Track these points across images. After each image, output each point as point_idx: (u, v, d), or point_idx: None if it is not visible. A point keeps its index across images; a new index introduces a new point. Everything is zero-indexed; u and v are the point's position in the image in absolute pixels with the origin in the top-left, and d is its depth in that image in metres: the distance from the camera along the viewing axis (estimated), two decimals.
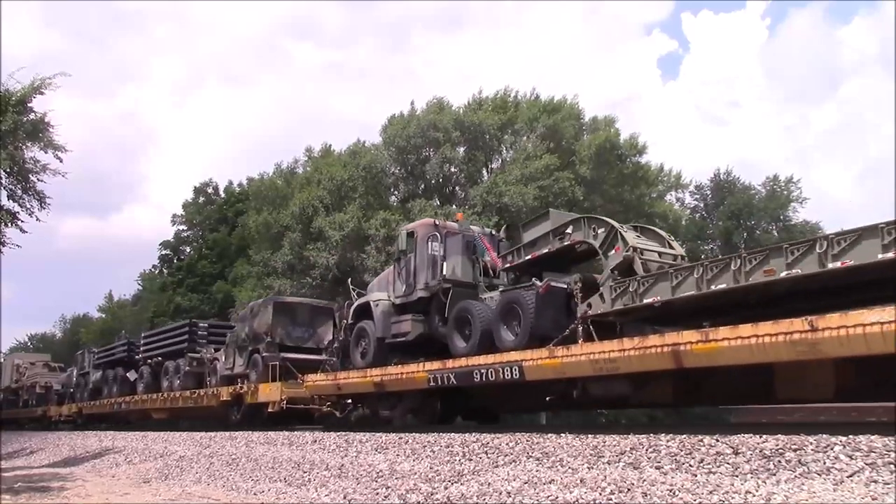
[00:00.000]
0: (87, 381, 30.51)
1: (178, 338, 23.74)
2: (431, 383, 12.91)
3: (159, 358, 24.65)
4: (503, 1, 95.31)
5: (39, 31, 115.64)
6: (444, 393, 13.92)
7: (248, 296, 35.19)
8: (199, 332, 23.30)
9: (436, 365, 12.98)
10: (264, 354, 18.97)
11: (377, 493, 9.67)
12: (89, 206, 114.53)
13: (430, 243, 13.89)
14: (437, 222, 14.65)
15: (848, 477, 6.47)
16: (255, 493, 11.49)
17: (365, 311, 15.25)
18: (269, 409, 17.96)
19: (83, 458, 20.00)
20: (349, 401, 16.70)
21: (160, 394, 23.99)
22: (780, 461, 7.07)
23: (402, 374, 13.66)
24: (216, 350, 22.12)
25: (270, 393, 18.25)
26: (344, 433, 13.94)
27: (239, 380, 20.21)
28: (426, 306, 14.02)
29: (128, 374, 26.57)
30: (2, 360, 48.98)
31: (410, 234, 14.38)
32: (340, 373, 15.54)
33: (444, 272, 13.46)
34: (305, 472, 11.75)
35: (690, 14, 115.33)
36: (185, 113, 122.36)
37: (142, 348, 25.97)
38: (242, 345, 20.15)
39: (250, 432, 16.93)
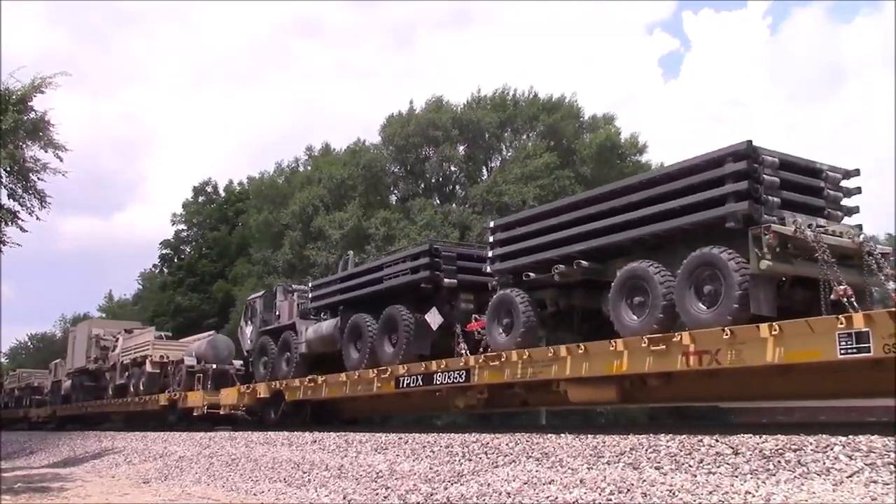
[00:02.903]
0: (291, 346, 16.94)
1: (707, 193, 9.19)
2: None
3: (582, 263, 10.59)
4: (506, 0, 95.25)
5: (42, 31, 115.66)
6: None
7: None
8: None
9: None
10: None
11: (377, 494, 9.66)
12: (91, 206, 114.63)
13: None
14: None
15: (848, 477, 6.46)
16: (254, 494, 11.49)
17: None
18: None
19: (83, 459, 20.00)
20: None
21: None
22: (780, 461, 7.06)
23: None
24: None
25: None
26: (344, 433, 13.93)
27: None
28: None
29: (426, 317, 13.56)
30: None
31: None
32: None
33: None
34: (305, 473, 11.74)
35: (691, 13, 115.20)
36: (188, 112, 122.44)
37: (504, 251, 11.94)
38: None
39: (250, 432, 16.92)
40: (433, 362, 12.91)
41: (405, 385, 13.46)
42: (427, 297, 13.72)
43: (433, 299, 13.65)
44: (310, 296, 16.98)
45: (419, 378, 13.16)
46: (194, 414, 21.33)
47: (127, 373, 25.97)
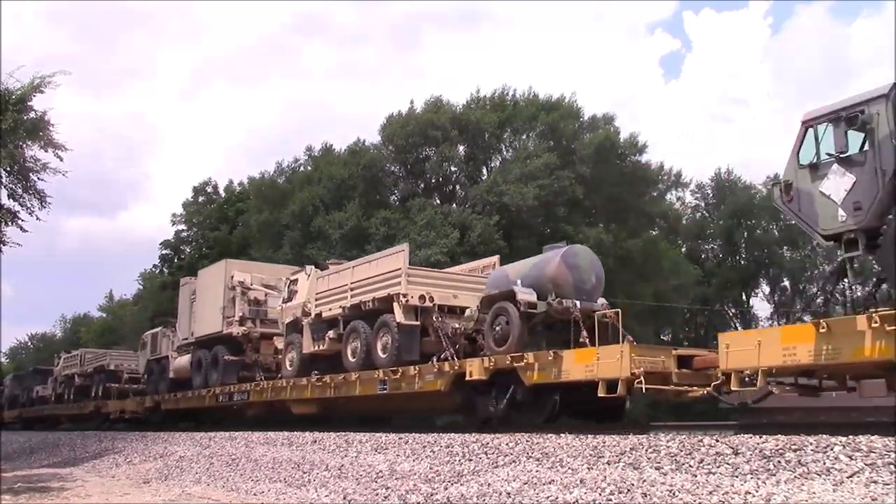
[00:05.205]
0: None
1: None
2: None
3: None
4: (506, 0, 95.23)
5: (45, 30, 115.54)
6: None
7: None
8: None
9: None
10: None
11: (377, 494, 9.66)
12: (92, 206, 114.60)
13: None
14: None
15: (848, 477, 6.46)
16: (255, 494, 11.49)
17: None
18: None
19: (83, 459, 19.99)
20: None
21: None
22: (780, 461, 7.06)
23: None
24: None
25: None
26: (344, 433, 13.93)
27: None
28: None
29: None
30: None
31: None
32: None
33: None
34: (305, 473, 11.74)
35: (692, 13, 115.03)
36: (192, 112, 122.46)
37: None
38: None
39: (250, 432, 16.91)
40: None
41: None
42: None
43: None
44: None
45: None
46: (612, 396, 9.89)
47: (330, 333, 15.55)
